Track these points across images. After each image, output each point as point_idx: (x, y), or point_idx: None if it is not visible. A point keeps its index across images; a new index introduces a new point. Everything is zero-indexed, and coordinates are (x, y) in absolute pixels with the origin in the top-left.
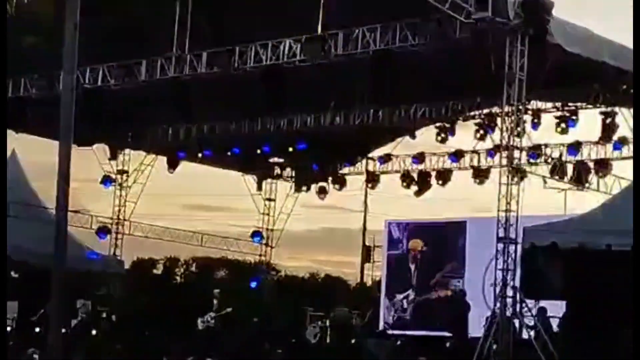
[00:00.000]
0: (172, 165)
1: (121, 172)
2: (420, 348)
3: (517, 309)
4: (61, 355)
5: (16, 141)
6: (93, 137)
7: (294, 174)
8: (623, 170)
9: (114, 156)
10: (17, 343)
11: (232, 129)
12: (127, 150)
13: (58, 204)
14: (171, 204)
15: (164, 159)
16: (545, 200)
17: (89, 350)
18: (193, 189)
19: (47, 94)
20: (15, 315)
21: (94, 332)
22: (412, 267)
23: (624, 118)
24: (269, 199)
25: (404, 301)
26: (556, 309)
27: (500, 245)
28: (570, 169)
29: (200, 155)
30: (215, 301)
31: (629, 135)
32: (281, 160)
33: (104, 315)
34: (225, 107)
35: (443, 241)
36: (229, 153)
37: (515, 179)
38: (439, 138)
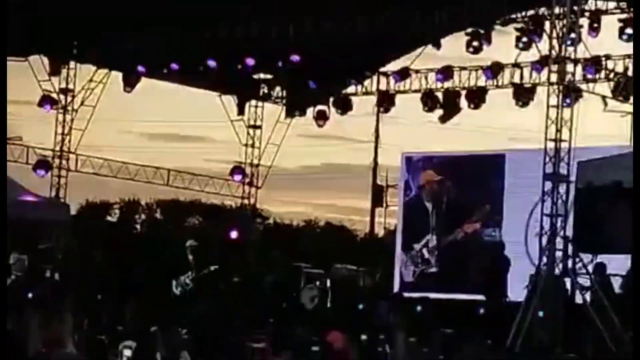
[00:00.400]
0: (130, 82)
1: (65, 91)
2: (445, 316)
3: (569, 266)
4: None
5: None
6: (29, 46)
7: (285, 94)
8: None
9: (55, 71)
10: None
11: (206, 35)
12: (72, 64)
13: None
14: (128, 133)
15: (119, 74)
16: (605, 127)
17: (25, 317)
18: (156, 113)
19: None
20: None
21: (30, 294)
22: (429, 206)
23: None
24: (254, 126)
25: (424, 250)
26: (618, 265)
27: (548, 185)
28: None
29: (165, 70)
30: (190, 257)
31: None
32: (269, 76)
33: (47, 273)
34: (197, 7)
35: (475, 179)
36: (201, 67)
37: (568, 100)
38: (471, 48)
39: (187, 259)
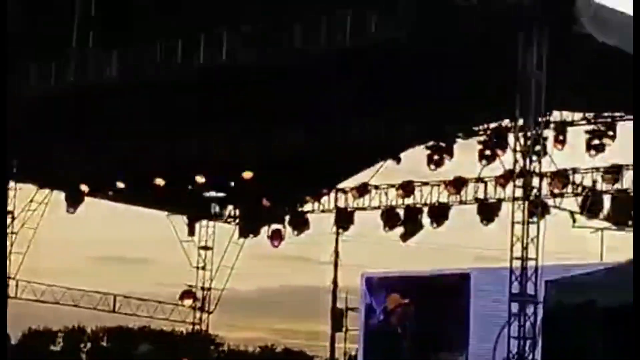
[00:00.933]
0: (73, 202)
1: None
2: None
3: None
4: None
5: None
6: None
7: (237, 214)
8: None
9: None
10: None
11: (154, 153)
12: (11, 184)
13: None
14: (72, 256)
15: (62, 194)
16: (575, 244)
17: None
18: (102, 234)
19: None
20: None
21: None
22: (400, 331)
23: None
24: (205, 248)
25: None
26: None
27: (515, 306)
28: (607, 201)
29: (110, 190)
30: None
31: None
32: (220, 194)
33: None
34: (144, 123)
35: (439, 301)
36: (149, 186)
37: (535, 217)
38: (432, 162)
39: None
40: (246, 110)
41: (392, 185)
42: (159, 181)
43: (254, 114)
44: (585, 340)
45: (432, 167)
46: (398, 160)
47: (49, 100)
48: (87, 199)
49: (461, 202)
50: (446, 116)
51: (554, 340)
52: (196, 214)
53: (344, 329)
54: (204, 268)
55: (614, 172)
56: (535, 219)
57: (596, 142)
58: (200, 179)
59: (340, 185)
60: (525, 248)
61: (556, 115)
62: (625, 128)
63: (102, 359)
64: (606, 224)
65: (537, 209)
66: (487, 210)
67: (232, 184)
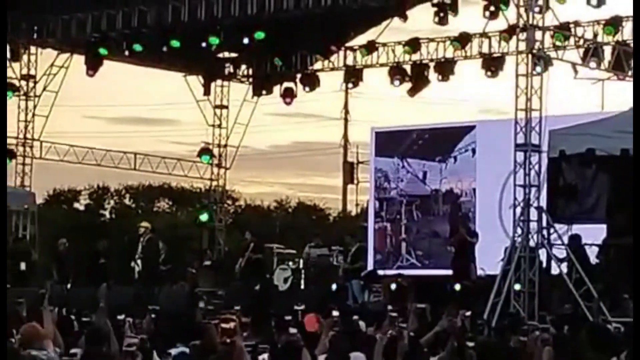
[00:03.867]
0: (93, 66)
1: (27, 77)
2: (420, 292)
3: (544, 237)
4: None
5: None
6: None
7: (250, 73)
8: None
9: (16, 57)
10: None
11: (169, 15)
12: (33, 49)
13: None
14: (94, 117)
15: (82, 58)
16: (577, 94)
17: None
18: (121, 96)
19: None
20: None
21: None
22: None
23: None
24: (220, 106)
25: None
26: (594, 234)
27: (520, 155)
28: (608, 52)
29: (127, 51)
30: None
31: None
32: (234, 55)
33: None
34: None
35: (446, 152)
36: (165, 48)
37: (538, 68)
38: (437, 18)
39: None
40: None
41: (399, 43)
42: (174, 43)
43: None
44: (585, 185)
45: (437, 21)
46: (404, 18)
47: None
48: (106, 62)
49: (466, 57)
50: None
51: (557, 186)
52: (211, 74)
53: (355, 182)
54: (220, 126)
55: (614, 23)
56: (538, 71)
57: None
58: (214, 40)
59: (349, 44)
60: (529, 99)
61: None
62: None
63: (125, 216)
64: (607, 75)
65: (540, 61)
66: (492, 64)
67: (245, 42)
